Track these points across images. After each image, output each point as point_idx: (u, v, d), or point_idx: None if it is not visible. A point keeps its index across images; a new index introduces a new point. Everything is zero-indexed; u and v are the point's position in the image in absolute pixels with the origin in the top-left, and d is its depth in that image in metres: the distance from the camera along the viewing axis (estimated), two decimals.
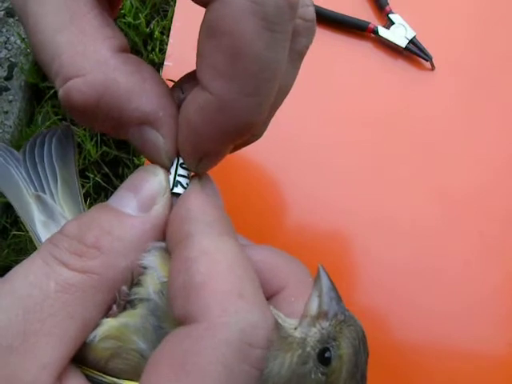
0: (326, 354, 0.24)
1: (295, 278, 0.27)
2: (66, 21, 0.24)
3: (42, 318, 0.22)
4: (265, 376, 0.22)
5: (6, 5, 1.47)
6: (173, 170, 0.27)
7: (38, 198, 0.34)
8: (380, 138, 0.58)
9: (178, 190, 0.27)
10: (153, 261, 0.25)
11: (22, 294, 0.23)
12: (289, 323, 0.25)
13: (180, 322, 0.23)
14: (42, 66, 0.25)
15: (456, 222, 0.56)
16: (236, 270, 0.23)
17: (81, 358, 0.25)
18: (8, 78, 1.43)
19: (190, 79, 0.27)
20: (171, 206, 0.26)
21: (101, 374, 0.24)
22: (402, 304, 0.53)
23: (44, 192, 0.34)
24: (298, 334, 0.24)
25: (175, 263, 0.24)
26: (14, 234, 1.34)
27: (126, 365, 0.24)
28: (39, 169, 0.35)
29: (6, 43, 1.45)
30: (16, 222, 1.36)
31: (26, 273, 0.24)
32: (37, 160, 0.35)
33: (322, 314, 0.25)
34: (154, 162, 0.27)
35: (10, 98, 1.42)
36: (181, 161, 0.27)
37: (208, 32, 0.22)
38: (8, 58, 1.44)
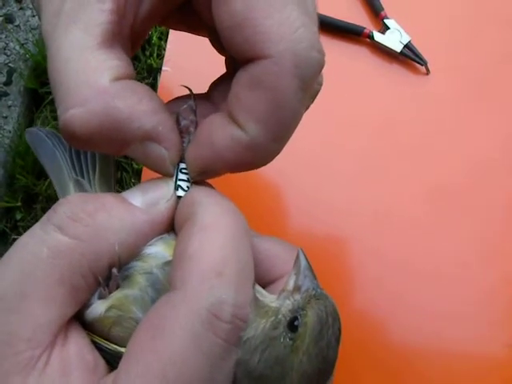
0: (295, 323, 0.27)
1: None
2: (78, 53, 0.26)
3: (35, 282, 0.25)
4: (244, 338, 0.25)
5: (4, 11, 1.48)
6: (174, 176, 0.29)
7: (77, 182, 0.37)
8: (376, 141, 0.58)
9: (180, 193, 0.29)
10: (158, 245, 0.28)
11: (20, 260, 0.25)
12: (269, 298, 0.28)
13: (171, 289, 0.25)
14: (53, 94, 0.27)
15: (453, 222, 0.56)
16: (225, 250, 0.25)
17: (90, 327, 0.27)
18: (7, 83, 1.44)
19: (205, 97, 0.31)
20: (173, 212, 0.29)
21: (105, 342, 0.27)
22: (398, 304, 0.53)
23: (83, 177, 0.37)
24: (274, 304, 0.27)
25: (179, 238, 0.27)
26: (14, 239, 1.34)
27: (125, 333, 0.27)
28: (81, 156, 0.38)
29: (5, 49, 1.46)
30: (16, 226, 1.37)
31: (26, 240, 0.26)
32: (80, 149, 0.38)
33: (296, 289, 0.28)
34: (157, 171, 0.29)
35: (10, 103, 1.42)
36: (181, 166, 0.29)
37: (252, 82, 0.26)
38: (7, 64, 1.45)
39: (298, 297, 0.28)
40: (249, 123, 0.26)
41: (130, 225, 0.27)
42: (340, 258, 0.55)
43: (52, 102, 1.45)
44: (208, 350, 0.24)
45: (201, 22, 0.30)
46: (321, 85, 0.30)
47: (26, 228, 1.35)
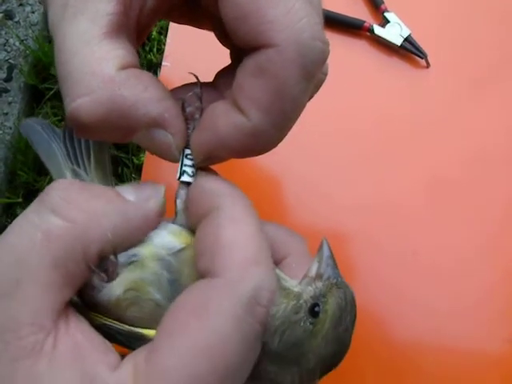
0: (316, 309, 0.28)
1: (296, 248, 0.32)
2: (85, 43, 0.27)
3: (31, 266, 0.25)
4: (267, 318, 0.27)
5: (4, 7, 1.48)
6: (179, 161, 0.30)
7: (74, 171, 0.38)
8: (377, 134, 0.58)
9: (185, 178, 0.30)
10: (165, 235, 0.30)
11: (14, 245, 0.26)
12: (290, 282, 0.29)
13: (202, 275, 0.27)
14: (59, 85, 0.28)
15: (454, 217, 0.56)
16: (256, 240, 0.27)
17: (101, 309, 0.28)
18: (7, 79, 1.44)
19: (210, 85, 0.32)
20: (163, 213, 0.30)
21: (119, 323, 0.28)
22: (398, 300, 0.53)
23: (79, 166, 0.38)
24: (296, 289, 0.29)
25: (205, 228, 0.28)
26: None
27: (142, 313, 0.28)
28: (76, 145, 0.38)
29: (5, 45, 1.46)
30: None
31: (20, 224, 0.26)
32: (75, 138, 0.39)
33: (318, 276, 0.29)
34: (164, 157, 0.30)
35: (10, 99, 1.42)
36: (187, 152, 0.30)
37: (256, 71, 0.26)
38: (7, 60, 1.45)
39: (319, 284, 0.29)
40: (252, 110, 0.27)
41: (123, 215, 0.28)
42: (339, 251, 0.55)
43: (52, 98, 1.45)
44: (247, 331, 0.25)
45: (204, 14, 0.31)
46: (326, 74, 0.30)
47: None
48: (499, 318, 0.53)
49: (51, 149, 0.39)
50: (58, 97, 1.47)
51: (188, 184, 0.31)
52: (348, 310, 0.29)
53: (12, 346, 0.24)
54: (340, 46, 0.60)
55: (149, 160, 0.56)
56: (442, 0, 0.64)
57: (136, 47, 0.30)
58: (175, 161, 0.30)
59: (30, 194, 1.39)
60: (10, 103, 1.42)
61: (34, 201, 0.27)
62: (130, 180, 1.33)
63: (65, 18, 0.27)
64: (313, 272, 0.30)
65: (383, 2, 0.61)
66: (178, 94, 0.30)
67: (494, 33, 0.62)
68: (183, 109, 0.30)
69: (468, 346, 0.53)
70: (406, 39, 0.60)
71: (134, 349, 0.27)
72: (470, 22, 0.63)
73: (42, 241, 0.25)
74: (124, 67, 0.27)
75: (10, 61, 1.45)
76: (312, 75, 0.27)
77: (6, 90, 1.43)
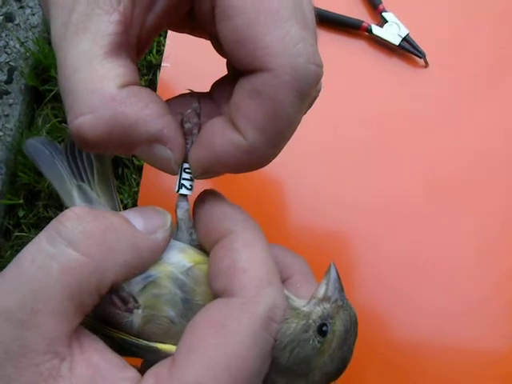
0: (324, 328, 0.30)
1: (300, 269, 0.34)
2: (86, 62, 0.27)
3: (46, 298, 0.26)
4: (278, 335, 0.29)
5: (4, 10, 1.48)
6: (178, 174, 0.31)
7: (79, 187, 0.39)
8: (375, 134, 0.58)
9: (184, 191, 0.32)
10: (176, 254, 0.31)
11: (29, 276, 0.26)
12: (298, 301, 0.31)
13: (218, 294, 0.29)
14: (62, 101, 0.28)
15: (454, 217, 0.56)
16: (268, 262, 0.29)
17: (117, 325, 0.30)
18: (8, 81, 1.44)
19: (207, 97, 0.32)
20: (168, 241, 0.31)
21: (136, 338, 0.30)
22: (399, 300, 0.53)
23: (83, 181, 0.39)
24: (305, 308, 0.31)
25: (220, 252, 0.30)
26: (17, 236, 1.35)
27: (157, 329, 0.30)
28: (78, 160, 0.40)
29: (5, 47, 1.46)
30: (18, 223, 1.37)
31: (33, 256, 0.27)
32: (76, 153, 0.40)
33: (326, 298, 0.31)
34: (163, 170, 0.31)
35: (11, 101, 1.43)
36: (185, 166, 0.31)
37: (252, 92, 0.27)
38: (8, 62, 1.45)
39: (327, 305, 0.31)
40: (248, 130, 0.28)
41: (134, 248, 0.29)
42: (340, 252, 0.55)
43: (53, 100, 1.45)
44: (263, 346, 0.28)
45: (203, 29, 0.31)
46: (319, 91, 0.31)
47: (28, 225, 1.35)
48: (501, 316, 0.53)
49: (55, 167, 0.40)
50: (58, 98, 1.47)
51: (186, 196, 0.32)
52: (352, 331, 0.31)
53: (29, 372, 0.25)
54: (338, 46, 0.61)
55: None
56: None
57: (136, 62, 0.30)
58: (174, 174, 0.31)
59: (31, 195, 1.39)
60: (10, 105, 1.42)
61: (47, 228, 0.27)
62: (131, 181, 1.33)
63: (66, 36, 0.28)
64: (320, 294, 0.31)
65: (381, 2, 0.62)
66: (176, 106, 0.31)
67: (492, 32, 0.62)
68: (182, 125, 0.31)
69: (470, 345, 0.53)
70: (405, 39, 0.60)
71: (146, 360, 0.29)
72: (468, 20, 0.63)
73: (59, 273, 0.26)
74: (125, 85, 0.28)
75: (10, 63, 1.45)
76: (306, 96, 0.28)
77: (7, 92, 1.43)
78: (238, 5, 0.26)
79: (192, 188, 0.32)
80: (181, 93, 0.33)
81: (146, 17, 0.29)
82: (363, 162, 0.57)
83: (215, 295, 0.29)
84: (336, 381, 0.32)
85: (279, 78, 0.27)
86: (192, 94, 0.32)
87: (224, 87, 0.32)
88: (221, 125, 0.29)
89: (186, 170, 0.31)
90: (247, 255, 0.29)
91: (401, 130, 0.59)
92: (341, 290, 0.32)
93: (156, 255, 0.30)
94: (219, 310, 0.28)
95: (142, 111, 0.28)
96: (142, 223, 0.30)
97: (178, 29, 0.34)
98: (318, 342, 0.30)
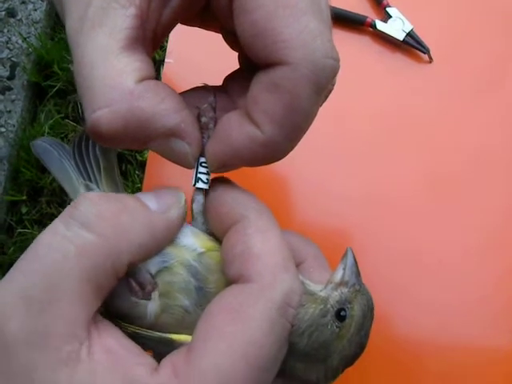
0: (342, 313, 0.30)
1: (312, 254, 0.34)
2: (103, 57, 0.28)
3: (64, 280, 0.26)
4: (295, 320, 0.29)
5: (6, 5, 1.48)
6: (194, 168, 0.31)
7: (87, 186, 0.40)
8: (379, 130, 0.58)
9: (200, 185, 0.32)
10: (189, 236, 0.31)
11: (47, 260, 0.26)
12: (314, 287, 0.31)
13: (232, 280, 0.29)
14: (79, 97, 0.29)
15: (457, 213, 0.56)
16: (282, 248, 0.29)
17: (131, 319, 0.30)
18: (10, 77, 1.44)
19: (221, 91, 0.33)
20: (184, 218, 0.31)
21: (149, 331, 0.30)
22: (402, 297, 0.53)
23: (90, 180, 0.40)
24: (323, 293, 0.31)
25: (233, 237, 0.29)
26: (20, 232, 1.35)
27: (171, 319, 0.30)
28: (86, 160, 0.41)
29: (7, 43, 1.46)
30: (21, 220, 1.37)
31: (49, 240, 0.27)
32: (83, 153, 0.41)
33: (343, 283, 0.31)
34: (180, 164, 0.31)
35: (13, 97, 1.43)
36: (201, 160, 0.31)
37: (270, 86, 0.28)
38: (10, 58, 1.45)
39: (345, 290, 0.31)
40: (265, 123, 0.28)
41: (148, 227, 0.29)
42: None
43: (55, 96, 1.45)
44: (280, 332, 0.28)
45: (216, 21, 0.31)
46: (334, 84, 0.31)
47: (31, 221, 1.36)
48: (505, 313, 0.53)
49: (63, 166, 0.41)
50: (60, 94, 1.47)
51: (202, 190, 0.32)
52: (369, 316, 0.31)
53: (50, 355, 0.25)
54: (342, 42, 0.60)
55: (152, 157, 0.56)
56: None
57: (151, 56, 0.30)
58: (190, 168, 0.31)
59: (34, 191, 1.39)
60: (13, 101, 1.43)
61: (62, 214, 0.28)
62: (134, 177, 1.33)
63: (83, 31, 0.28)
64: (338, 278, 0.31)
65: None
66: (191, 99, 0.31)
67: (497, 27, 0.62)
68: (198, 119, 0.31)
69: (473, 343, 0.53)
70: (409, 34, 0.60)
71: (160, 353, 0.28)
72: (472, 16, 0.62)
73: (76, 255, 0.26)
74: (142, 79, 0.28)
75: (12, 59, 1.45)
76: (323, 90, 0.28)
77: (9, 88, 1.43)
78: None
79: (208, 182, 0.32)
80: (191, 87, 0.33)
81: (162, 11, 0.29)
82: (367, 157, 0.57)
83: (229, 281, 0.29)
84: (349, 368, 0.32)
85: (298, 72, 0.27)
86: (207, 88, 0.33)
87: (237, 81, 0.32)
88: (237, 119, 0.30)
89: (203, 164, 0.31)
90: (262, 241, 0.29)
91: (405, 125, 0.59)
92: (358, 274, 0.32)
93: (171, 234, 0.30)
94: (235, 297, 0.28)
95: (158, 105, 0.28)
96: (155, 203, 0.30)
97: (190, 22, 0.34)
98: (337, 326, 0.30)
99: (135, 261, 0.29)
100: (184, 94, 0.32)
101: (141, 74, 0.28)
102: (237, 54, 0.34)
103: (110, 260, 0.27)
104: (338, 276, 0.31)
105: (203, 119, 0.31)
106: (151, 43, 0.30)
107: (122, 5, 0.27)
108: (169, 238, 0.30)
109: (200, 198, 0.32)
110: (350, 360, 0.31)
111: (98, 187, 0.40)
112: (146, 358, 0.27)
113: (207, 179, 0.32)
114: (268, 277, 0.28)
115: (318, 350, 0.30)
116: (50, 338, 0.25)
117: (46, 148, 0.42)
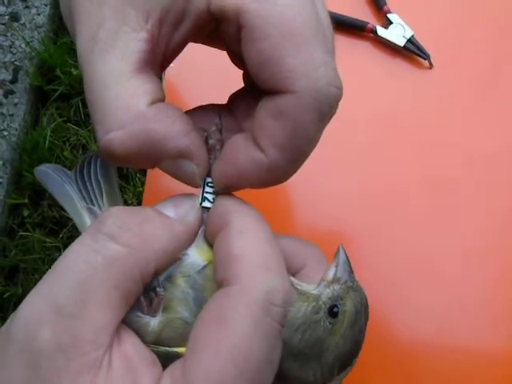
0: (334, 309, 0.31)
1: (313, 258, 0.34)
2: (115, 79, 0.29)
3: (93, 289, 0.27)
4: (287, 318, 0.29)
5: (10, 10, 1.49)
6: (201, 188, 0.32)
7: (90, 210, 0.41)
8: (380, 135, 0.58)
9: (206, 204, 0.33)
10: (191, 249, 0.32)
11: (76, 270, 0.27)
12: (306, 286, 0.31)
13: (220, 285, 0.29)
14: (91, 117, 0.30)
15: (456, 217, 0.56)
16: (264, 248, 0.29)
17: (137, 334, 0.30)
18: (13, 81, 1.45)
19: (226, 110, 0.34)
20: (201, 221, 0.32)
21: (156, 346, 0.30)
22: (401, 299, 0.53)
23: (93, 204, 0.41)
24: (315, 292, 0.31)
25: (218, 243, 0.30)
26: (21, 235, 1.35)
27: (173, 332, 0.30)
28: (88, 184, 0.42)
29: (11, 47, 1.47)
30: (23, 223, 1.38)
31: (78, 251, 0.28)
32: (85, 178, 0.42)
33: (335, 280, 0.31)
34: (187, 183, 0.32)
35: (16, 100, 1.43)
36: (208, 180, 0.32)
37: (275, 112, 0.29)
38: (13, 62, 1.46)
39: (337, 287, 0.31)
40: (270, 148, 0.29)
41: (170, 234, 0.30)
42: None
43: (57, 99, 1.46)
44: (266, 331, 0.27)
45: (223, 43, 0.32)
46: (336, 109, 0.32)
47: (32, 224, 1.36)
48: (503, 317, 0.53)
49: (66, 191, 0.42)
50: (63, 98, 1.48)
51: (208, 209, 0.33)
52: (362, 312, 0.31)
53: (75, 361, 0.26)
54: (343, 48, 0.60)
55: None
56: (444, 1, 0.64)
57: (159, 76, 0.32)
58: (197, 187, 0.32)
59: (35, 194, 1.39)
60: (15, 104, 1.43)
61: (90, 228, 0.29)
62: (135, 180, 1.34)
63: (94, 52, 0.29)
64: (330, 276, 0.32)
65: (386, 4, 0.62)
66: (197, 120, 0.32)
67: (497, 33, 0.62)
68: (206, 141, 0.32)
69: (471, 346, 0.53)
70: (409, 40, 0.60)
71: (165, 366, 0.29)
72: (472, 22, 0.63)
73: (104, 265, 0.27)
74: (153, 102, 0.29)
75: (15, 63, 1.46)
76: (326, 116, 0.29)
77: (12, 92, 1.44)
78: (264, 27, 0.27)
79: (214, 201, 0.33)
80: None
81: (172, 35, 0.30)
82: (367, 162, 0.58)
83: (218, 286, 0.29)
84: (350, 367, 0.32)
85: (302, 100, 0.28)
86: (212, 108, 0.34)
87: (242, 100, 0.33)
88: (243, 142, 0.30)
89: (209, 184, 0.32)
90: (240, 242, 0.29)
91: (405, 130, 0.59)
92: (350, 271, 0.32)
93: (192, 236, 0.32)
94: (219, 301, 0.28)
95: (170, 127, 0.29)
96: (174, 210, 0.31)
97: (197, 41, 0.35)
98: (329, 323, 0.30)
99: (161, 266, 0.30)
100: (189, 113, 0.33)
101: (152, 97, 0.29)
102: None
103: (138, 267, 0.28)
104: (331, 274, 0.32)
105: (211, 141, 0.32)
106: (160, 65, 0.31)
107: (134, 28, 0.28)
108: (189, 241, 0.31)
109: (206, 216, 0.33)
110: (345, 358, 0.31)
111: (101, 210, 0.41)
112: (155, 369, 0.28)
113: (213, 198, 0.33)
114: (247, 277, 0.28)
115: (311, 348, 0.30)
116: (78, 344, 0.26)
117: (49, 173, 0.43)
